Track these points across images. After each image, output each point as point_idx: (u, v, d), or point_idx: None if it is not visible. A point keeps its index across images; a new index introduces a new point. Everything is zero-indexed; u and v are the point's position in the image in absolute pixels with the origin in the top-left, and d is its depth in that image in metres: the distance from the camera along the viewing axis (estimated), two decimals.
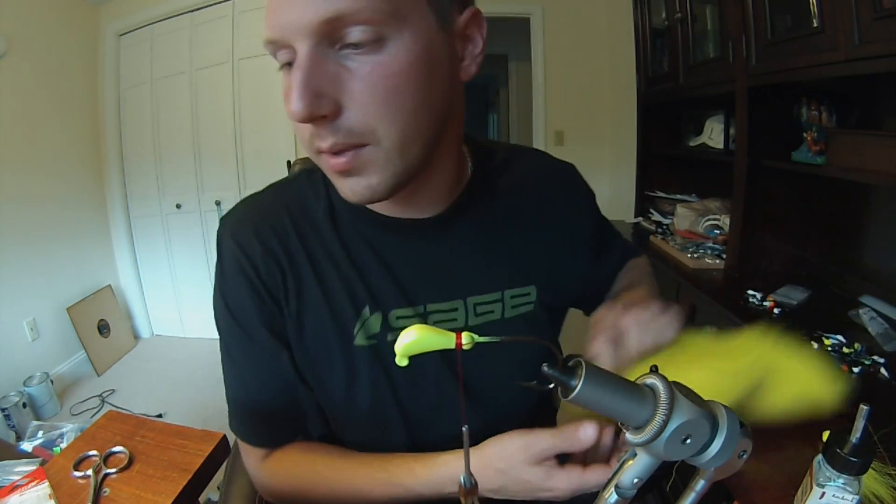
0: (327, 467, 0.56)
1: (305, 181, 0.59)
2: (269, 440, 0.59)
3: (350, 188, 0.46)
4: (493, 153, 0.64)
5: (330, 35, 0.40)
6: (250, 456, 0.60)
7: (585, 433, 0.45)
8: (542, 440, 0.46)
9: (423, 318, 0.56)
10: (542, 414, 0.66)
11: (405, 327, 0.57)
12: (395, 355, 0.42)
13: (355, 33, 0.39)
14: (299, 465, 0.57)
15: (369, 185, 0.45)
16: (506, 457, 0.47)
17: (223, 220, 0.58)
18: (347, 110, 0.41)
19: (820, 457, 0.46)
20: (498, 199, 0.61)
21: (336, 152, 0.43)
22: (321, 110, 0.40)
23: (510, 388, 0.56)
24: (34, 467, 0.59)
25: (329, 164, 0.45)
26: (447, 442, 0.51)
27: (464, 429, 0.40)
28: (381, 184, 0.46)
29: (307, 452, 0.58)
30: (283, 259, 0.55)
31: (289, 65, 0.42)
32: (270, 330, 0.55)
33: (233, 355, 0.57)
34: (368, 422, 0.58)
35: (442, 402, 0.57)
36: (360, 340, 0.55)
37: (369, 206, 0.55)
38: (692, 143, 1.92)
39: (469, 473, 0.41)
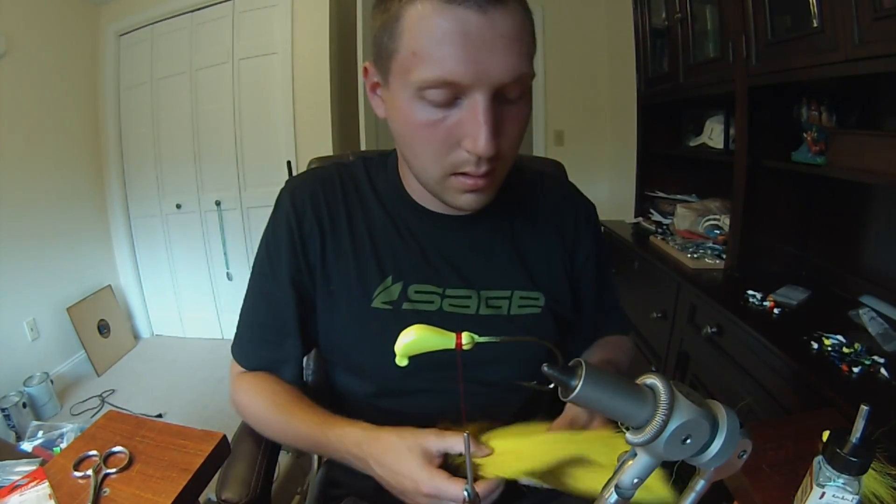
0: (283, 398, 0.64)
1: (361, 165, 0.70)
2: (247, 360, 0.69)
3: (475, 200, 0.57)
4: (522, 171, 0.72)
5: (502, 89, 0.49)
6: (233, 368, 0.71)
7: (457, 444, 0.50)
8: (430, 440, 0.51)
9: (441, 298, 0.64)
10: (538, 397, 0.70)
11: (422, 300, 0.63)
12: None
13: (515, 91, 0.51)
14: (262, 388, 0.66)
15: (488, 197, 0.58)
16: (394, 448, 0.52)
17: (288, 181, 0.69)
18: (502, 145, 0.52)
19: (820, 457, 0.46)
20: (518, 212, 0.70)
21: (483, 175, 0.54)
22: (500, 148, 0.51)
23: (506, 370, 0.63)
24: (34, 467, 0.59)
25: (468, 184, 0.55)
26: (435, 415, 0.55)
27: (465, 435, 0.41)
28: (492, 194, 0.59)
29: (274, 383, 0.67)
30: (327, 224, 0.65)
31: (444, 103, 0.50)
32: (291, 278, 0.64)
33: (254, 289, 0.68)
34: (367, 381, 0.66)
35: (438, 374, 0.60)
36: (377, 303, 0.63)
37: (413, 196, 0.66)
38: (692, 143, 1.92)
39: (472, 487, 0.42)
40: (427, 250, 0.65)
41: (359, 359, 0.66)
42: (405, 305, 0.63)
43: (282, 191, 0.68)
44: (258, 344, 0.68)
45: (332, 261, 0.65)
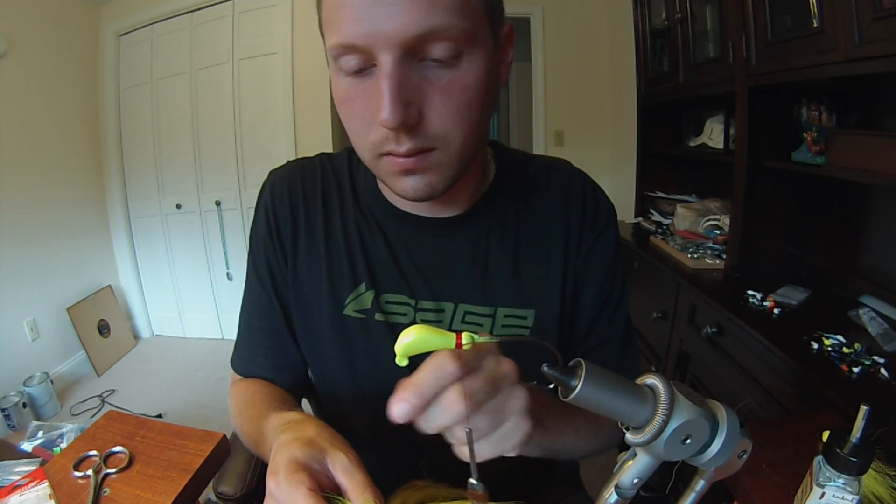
0: (256, 398, 0.58)
1: (346, 157, 0.65)
2: (242, 368, 0.65)
3: (411, 186, 0.48)
4: (527, 166, 0.63)
5: (415, 48, 0.41)
6: (232, 377, 0.67)
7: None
8: (303, 451, 0.36)
9: (414, 310, 0.59)
10: None
11: (394, 312, 0.59)
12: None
13: (439, 49, 0.42)
14: (242, 392, 0.61)
15: (430, 184, 0.48)
16: (290, 438, 0.39)
17: (272, 171, 0.65)
18: (427, 118, 0.44)
19: (820, 457, 0.46)
20: (514, 213, 0.60)
21: (407, 155, 0.45)
22: (410, 119, 0.43)
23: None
24: (34, 467, 0.59)
25: (395, 165, 0.47)
26: (412, 432, 0.44)
27: (466, 430, 0.39)
28: (441, 183, 0.49)
29: (260, 386, 0.61)
30: (302, 218, 0.61)
31: (358, 72, 0.44)
32: (271, 275, 0.61)
33: (246, 290, 0.65)
34: (343, 392, 0.60)
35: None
36: (349, 311, 0.58)
37: (387, 195, 0.60)
38: (692, 143, 1.92)
39: (477, 478, 0.40)
40: (400, 257, 0.59)
41: (325, 369, 0.61)
42: (378, 315, 0.58)
43: (264, 182, 0.64)
44: (253, 349, 0.63)
45: (304, 259, 0.60)
